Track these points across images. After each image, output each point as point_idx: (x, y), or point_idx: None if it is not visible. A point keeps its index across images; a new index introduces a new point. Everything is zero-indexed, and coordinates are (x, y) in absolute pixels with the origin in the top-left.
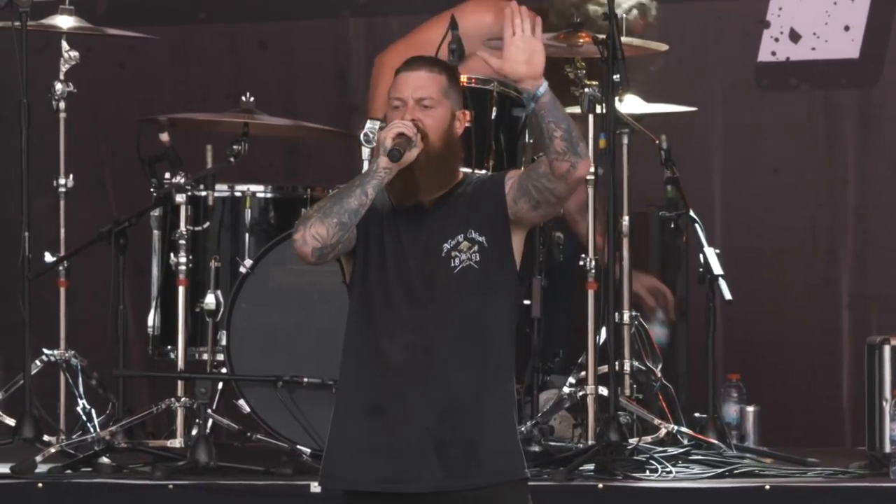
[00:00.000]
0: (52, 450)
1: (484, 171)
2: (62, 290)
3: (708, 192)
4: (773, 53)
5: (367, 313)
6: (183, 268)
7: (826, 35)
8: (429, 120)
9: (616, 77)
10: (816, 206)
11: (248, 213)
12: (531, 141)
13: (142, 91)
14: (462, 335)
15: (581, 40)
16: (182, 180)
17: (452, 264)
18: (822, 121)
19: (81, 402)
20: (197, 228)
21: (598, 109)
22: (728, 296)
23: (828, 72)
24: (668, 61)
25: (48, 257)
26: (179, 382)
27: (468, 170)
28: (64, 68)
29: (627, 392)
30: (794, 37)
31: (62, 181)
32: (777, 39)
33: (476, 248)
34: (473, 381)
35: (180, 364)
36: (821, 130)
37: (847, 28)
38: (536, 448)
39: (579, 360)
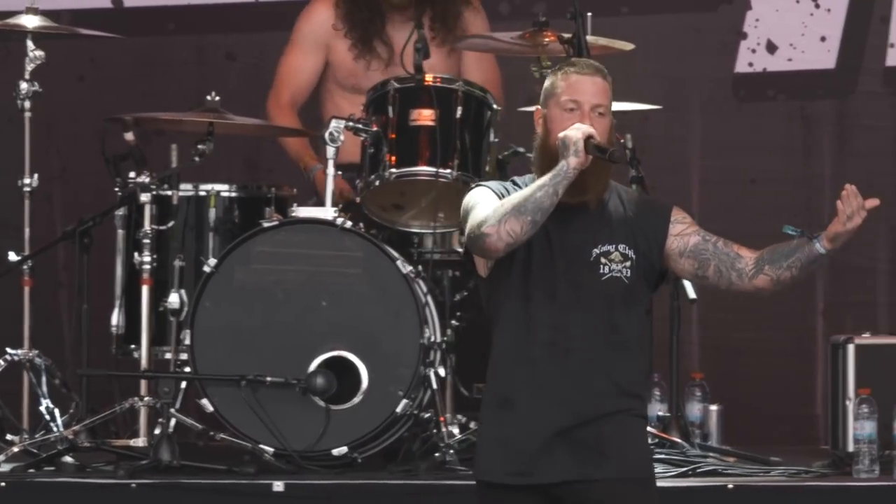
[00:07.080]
0: (15, 449)
1: (632, 187)
2: (26, 290)
3: (686, 202)
4: (751, 64)
5: (507, 308)
6: (147, 267)
7: (802, 46)
8: (601, 128)
9: None
10: (793, 215)
11: (212, 213)
12: (496, 140)
13: (106, 99)
14: (605, 343)
15: (546, 39)
16: (147, 179)
17: (601, 271)
18: (798, 131)
19: (45, 402)
20: (161, 227)
21: None
22: (692, 295)
23: (804, 82)
24: (646, 72)
25: (12, 256)
26: (143, 381)
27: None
28: (29, 68)
29: None
30: (771, 48)
31: (27, 180)
32: (754, 51)
33: (629, 263)
34: (611, 388)
35: (144, 363)
36: (798, 141)
37: (823, 39)
38: None
39: None
